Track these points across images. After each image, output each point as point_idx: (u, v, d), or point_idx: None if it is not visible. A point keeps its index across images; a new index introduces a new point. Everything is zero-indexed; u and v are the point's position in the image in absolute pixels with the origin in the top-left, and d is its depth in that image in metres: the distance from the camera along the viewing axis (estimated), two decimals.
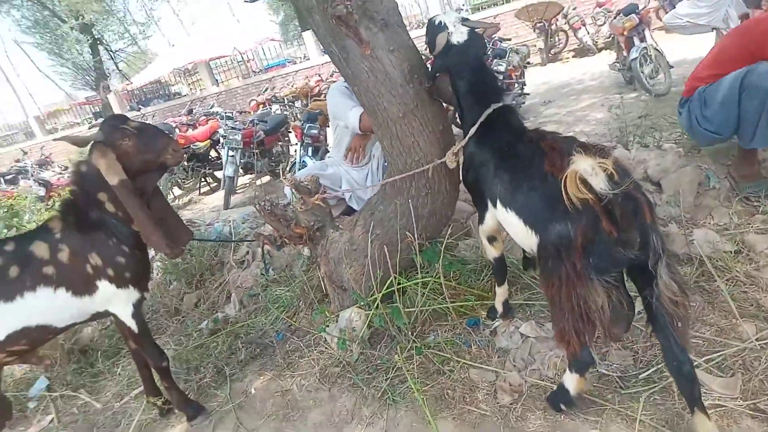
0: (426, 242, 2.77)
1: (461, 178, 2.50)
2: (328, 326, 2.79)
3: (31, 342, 2.33)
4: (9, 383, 3.52)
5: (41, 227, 2.43)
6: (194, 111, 11.38)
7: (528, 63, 8.73)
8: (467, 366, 2.45)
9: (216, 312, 3.63)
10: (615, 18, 7.48)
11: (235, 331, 3.29)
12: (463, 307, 2.73)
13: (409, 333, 2.61)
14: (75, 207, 2.41)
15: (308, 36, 15.75)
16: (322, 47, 2.84)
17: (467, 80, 2.28)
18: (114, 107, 17.36)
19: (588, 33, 11.68)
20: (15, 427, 3.10)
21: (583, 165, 1.59)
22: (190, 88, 20.52)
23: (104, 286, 2.37)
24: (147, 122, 2.52)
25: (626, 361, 2.25)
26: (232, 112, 8.70)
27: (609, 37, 11.19)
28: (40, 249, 2.30)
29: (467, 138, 2.28)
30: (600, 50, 11.85)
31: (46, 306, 2.28)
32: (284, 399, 2.65)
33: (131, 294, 2.46)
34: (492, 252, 2.47)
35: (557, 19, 12.03)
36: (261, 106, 10.91)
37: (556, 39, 12.37)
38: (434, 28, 2.36)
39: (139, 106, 13.45)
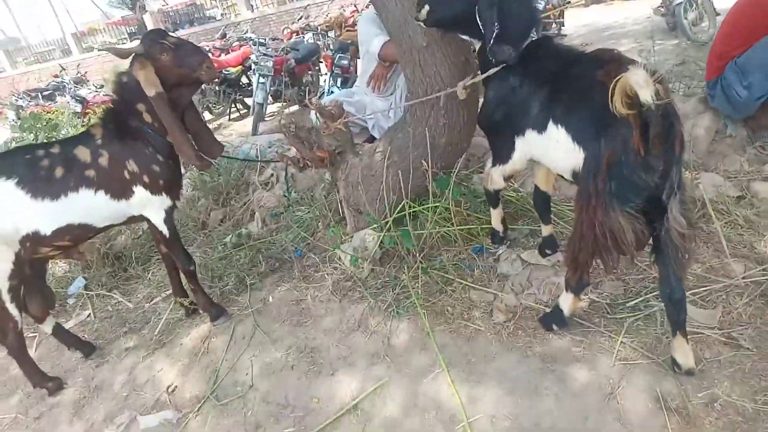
0: (441, 172, 2.89)
1: (480, 119, 2.45)
2: (343, 244, 2.98)
3: (74, 238, 2.57)
4: (51, 281, 3.85)
5: (84, 133, 2.63)
6: (228, 36, 11.36)
7: (569, 2, 8.44)
8: (468, 287, 2.63)
9: (240, 228, 3.86)
10: None
11: (257, 246, 3.52)
12: (470, 233, 2.88)
13: (417, 255, 2.79)
14: (115, 115, 2.59)
15: None
16: None
17: (499, 6, 2.07)
18: (149, 27, 17.39)
19: None
20: (57, 317, 3.45)
21: (636, 76, 1.50)
22: (224, 13, 20.33)
23: (140, 191, 2.57)
24: (184, 39, 2.63)
25: (617, 290, 2.40)
26: (265, 39, 8.68)
27: None
28: (83, 153, 2.50)
29: (491, 72, 2.20)
30: None
31: (88, 206, 2.50)
32: (299, 307, 2.89)
33: (164, 201, 2.66)
34: (499, 184, 2.47)
35: None
36: (294, 34, 10.83)
37: None
38: None
39: (174, 30, 13.44)
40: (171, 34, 2.60)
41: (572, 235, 1.88)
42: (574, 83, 1.88)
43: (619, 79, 1.52)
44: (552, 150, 1.98)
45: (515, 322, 2.36)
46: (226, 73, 8.53)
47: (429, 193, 2.88)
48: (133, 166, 2.54)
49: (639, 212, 1.69)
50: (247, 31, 12.07)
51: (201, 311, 3.02)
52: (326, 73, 7.05)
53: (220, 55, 9.33)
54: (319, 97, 7.03)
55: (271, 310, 2.95)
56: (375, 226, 2.94)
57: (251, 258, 3.42)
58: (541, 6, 7.00)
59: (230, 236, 3.70)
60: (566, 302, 2.17)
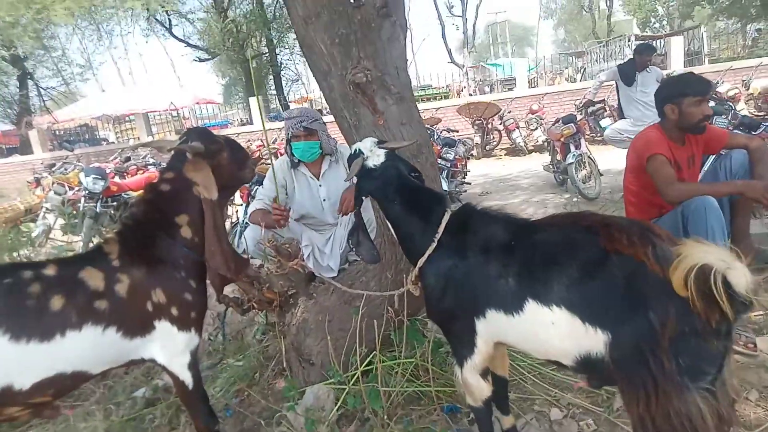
0: (406, 319, 2.68)
1: (429, 312, 2.13)
2: (297, 403, 2.55)
3: (57, 392, 1.90)
4: None
5: (94, 251, 2.07)
6: (131, 159, 10.87)
7: (472, 155, 9.19)
8: None
9: (154, 378, 3.26)
10: (554, 125, 8.12)
11: (177, 402, 2.94)
12: (439, 391, 2.61)
13: (385, 417, 2.45)
14: (140, 231, 2.09)
15: (254, 101, 15.89)
16: (330, 110, 2.82)
17: (399, 200, 2.05)
18: (34, 145, 16.27)
19: (521, 135, 12.57)
20: None
21: (707, 257, 1.33)
22: (117, 137, 19.78)
23: (163, 327, 2.01)
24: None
25: None
26: None
27: (541, 141, 12.10)
28: (94, 278, 1.91)
29: (425, 256, 1.98)
30: (530, 152, 12.76)
31: (90, 348, 1.87)
32: None
33: (192, 339, 2.10)
34: (484, 391, 2.01)
35: (494, 119, 12.91)
36: None
37: (491, 137, 13.19)
38: (350, 159, 2.20)
39: (72, 147, 12.65)
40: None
41: None
42: (558, 255, 1.68)
43: (683, 259, 1.38)
44: (540, 334, 1.69)
45: None
46: (127, 197, 7.96)
47: (389, 344, 2.63)
48: (160, 295, 2.01)
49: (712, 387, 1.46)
50: (146, 156, 11.67)
51: None
52: (242, 204, 6.79)
53: (114, 177, 8.78)
54: (232, 229, 6.70)
55: None
56: (331, 381, 2.58)
57: (170, 419, 2.83)
58: (451, 157, 7.50)
59: (143, 390, 3.08)
60: None
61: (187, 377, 2.10)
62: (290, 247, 2.62)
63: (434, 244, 1.96)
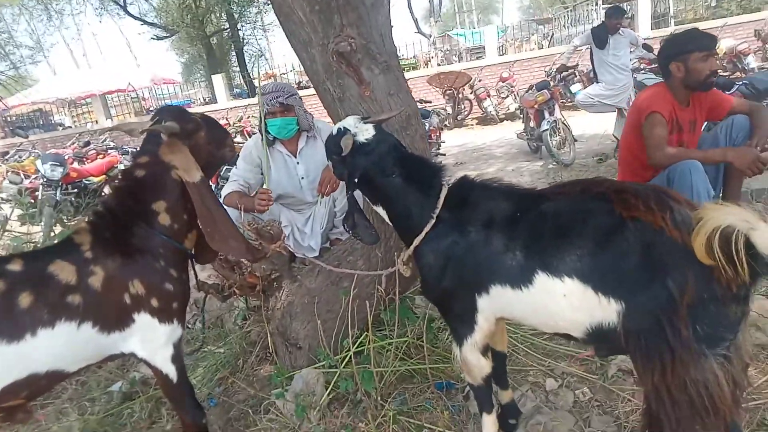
0: (396, 297, 2.58)
1: (426, 292, 2.05)
2: (286, 389, 2.45)
3: (31, 393, 1.77)
4: None
5: (64, 243, 1.91)
6: (91, 144, 10.44)
7: (446, 125, 9.08)
8: None
9: (130, 371, 3.11)
10: (527, 92, 8.05)
11: (156, 395, 2.81)
12: (432, 368, 2.54)
13: (378, 398, 2.37)
14: (113, 220, 1.93)
15: (218, 79, 15.38)
16: (311, 83, 2.66)
17: (399, 173, 1.94)
18: None
19: (492, 104, 12.49)
20: None
21: (729, 218, 1.27)
22: (74, 121, 19.00)
23: (143, 320, 1.89)
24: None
25: (609, 427, 2.19)
26: (136, 148, 8.04)
27: (513, 109, 12.07)
28: (65, 271, 1.77)
29: (423, 234, 1.88)
30: (502, 120, 12.72)
31: (65, 345, 1.74)
32: None
33: (174, 330, 1.97)
34: (485, 368, 1.94)
35: (464, 89, 12.78)
36: None
37: (462, 106, 13.09)
38: (334, 138, 2.02)
39: (26, 133, 12.08)
40: None
41: (654, 409, 1.49)
42: (570, 224, 1.61)
43: (704, 223, 1.31)
44: (551, 306, 1.63)
45: None
46: (88, 182, 7.65)
47: (379, 323, 2.55)
48: (138, 286, 1.87)
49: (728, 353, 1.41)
50: (106, 140, 11.24)
51: None
52: (212, 185, 6.59)
53: (72, 162, 8.41)
54: None
55: None
56: (320, 364, 2.49)
57: (150, 412, 2.70)
58: (425, 128, 7.38)
59: (119, 383, 2.94)
60: None
61: (170, 370, 1.98)
62: (272, 229, 2.48)
63: (432, 221, 1.86)
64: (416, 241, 1.90)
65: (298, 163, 3.48)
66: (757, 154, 2.68)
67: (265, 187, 3.09)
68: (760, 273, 1.32)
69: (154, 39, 22.97)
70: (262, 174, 3.52)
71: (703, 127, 3.25)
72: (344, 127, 1.97)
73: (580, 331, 1.61)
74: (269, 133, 3.38)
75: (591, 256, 1.53)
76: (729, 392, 1.39)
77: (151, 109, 18.92)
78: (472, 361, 1.93)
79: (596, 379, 2.46)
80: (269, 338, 2.79)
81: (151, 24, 22.52)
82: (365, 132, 1.94)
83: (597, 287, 1.51)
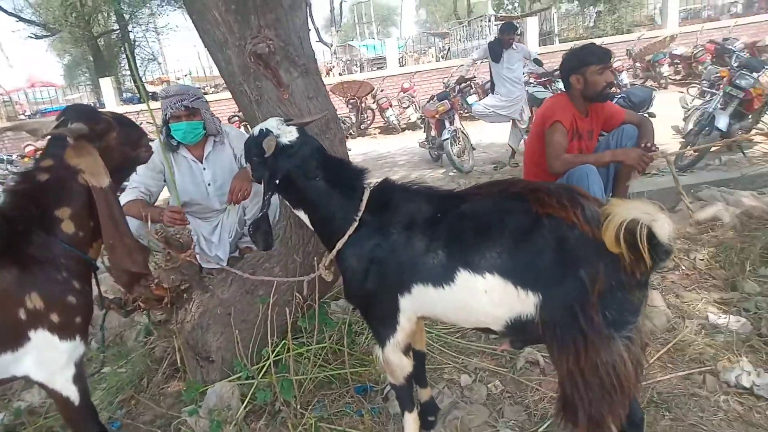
0: (314, 304, 2.56)
1: (350, 296, 2.04)
2: (200, 406, 2.33)
3: None
4: None
5: None
6: None
7: (350, 134, 9.14)
8: None
9: (12, 400, 2.81)
10: (429, 102, 8.31)
11: (47, 424, 2.56)
12: (352, 373, 2.54)
13: (298, 407, 2.33)
14: (9, 228, 1.73)
15: (106, 83, 14.41)
16: (226, 85, 2.56)
17: (322, 176, 1.93)
18: None
19: (394, 113, 12.76)
20: None
21: (664, 224, 1.38)
22: None
23: (40, 337, 1.70)
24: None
25: (521, 416, 2.31)
26: (12, 155, 7.33)
27: (414, 119, 12.40)
28: None
29: (345, 237, 1.89)
30: (403, 129, 13.02)
31: None
32: None
33: (76, 348, 1.79)
34: (406, 368, 1.97)
35: (367, 98, 12.95)
36: (39, 152, 9.44)
37: (365, 116, 13.24)
38: (256, 140, 1.96)
39: None
40: None
41: (569, 393, 1.57)
42: (490, 223, 1.68)
43: (612, 217, 1.43)
44: (472, 303, 1.69)
45: None
46: None
47: (295, 331, 2.50)
48: (36, 300, 1.68)
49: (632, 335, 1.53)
50: None
51: None
52: None
53: None
54: None
55: None
56: (235, 377, 2.40)
57: None
58: None
59: (0, 415, 2.64)
60: None
61: (72, 392, 1.81)
62: (181, 237, 2.37)
63: (355, 224, 1.87)
64: (339, 245, 1.90)
65: (204, 168, 3.35)
66: (643, 151, 2.98)
67: (171, 203, 2.93)
68: (659, 260, 1.47)
69: (31, 38, 21.03)
70: (164, 181, 3.34)
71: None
72: (266, 129, 1.93)
73: (500, 324, 1.69)
74: (173, 138, 3.23)
75: (510, 253, 1.61)
76: (633, 371, 1.53)
77: (26, 113, 17.31)
78: (395, 361, 1.96)
79: (506, 372, 2.59)
80: (178, 353, 2.65)
81: (28, 21, 20.60)
82: (288, 134, 1.92)
83: (516, 282, 1.59)
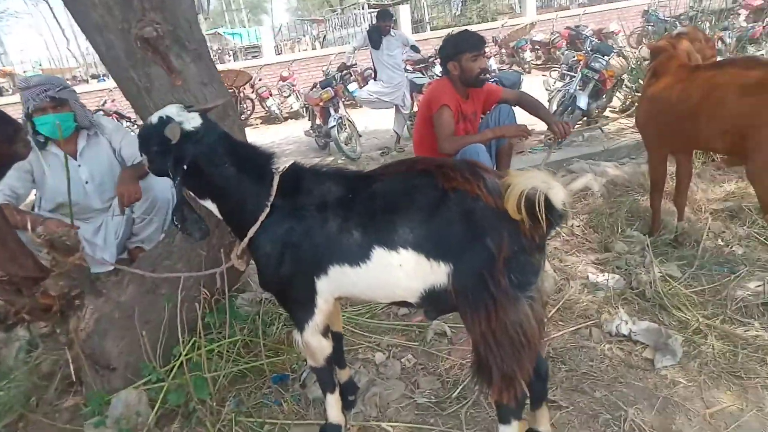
0: (222, 298, 2.48)
1: (264, 283, 2.01)
2: (107, 416, 2.17)
3: None
4: None
5: None
6: None
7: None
8: (285, 427, 2.25)
9: None
10: (312, 90, 8.27)
11: None
12: (267, 364, 2.50)
13: (214, 404, 2.25)
14: None
15: None
16: (109, 72, 2.35)
17: (231, 161, 1.88)
18: None
19: (275, 103, 12.51)
20: None
21: (559, 190, 1.52)
22: None
23: None
24: None
25: (435, 385, 2.43)
26: None
27: (296, 108, 12.25)
28: None
29: (258, 223, 1.85)
30: (286, 119, 12.82)
31: None
32: None
33: None
34: (326, 350, 2.01)
35: (245, 88, 12.54)
36: None
37: (245, 105, 12.84)
38: (155, 128, 1.85)
39: None
40: None
41: (483, 354, 1.67)
42: (400, 200, 1.73)
43: (513, 187, 1.54)
44: (389, 278, 1.74)
45: None
46: None
47: (204, 327, 2.41)
48: None
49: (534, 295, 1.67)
50: None
51: None
52: None
53: None
54: None
55: None
56: (142, 382, 2.27)
57: None
58: None
59: None
60: None
61: None
62: (68, 239, 2.16)
63: (267, 209, 1.84)
64: (251, 232, 1.87)
65: (79, 165, 3.09)
66: (520, 125, 3.26)
67: (43, 205, 2.66)
68: (555, 223, 1.63)
69: None
70: (33, 181, 3.04)
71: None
72: (167, 116, 1.83)
73: (416, 296, 1.77)
74: (39, 134, 2.93)
75: (421, 227, 1.68)
76: (537, 328, 1.68)
77: None
78: (315, 343, 1.97)
79: (417, 345, 2.70)
80: (71, 365, 2.43)
81: None
82: (192, 120, 1.83)
83: (429, 254, 1.68)
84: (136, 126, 9.68)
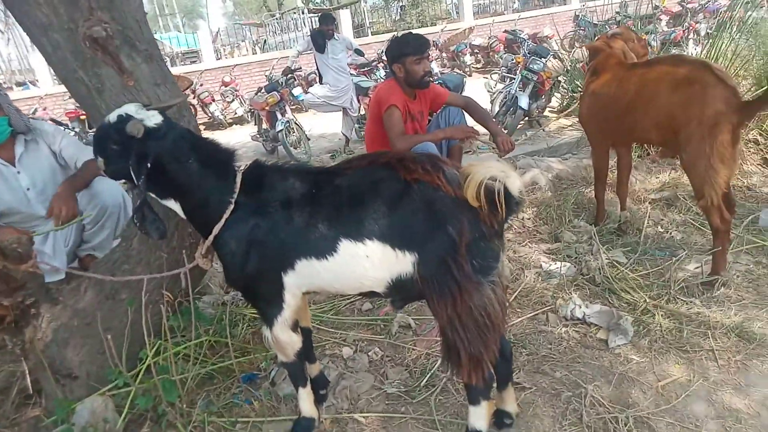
0: (185, 300, 2.44)
1: (231, 281, 2.00)
2: (73, 425, 2.09)
3: None
4: None
5: None
6: None
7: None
8: (258, 424, 2.25)
9: None
10: (257, 94, 8.18)
11: None
12: (236, 363, 2.49)
13: (184, 406, 2.22)
14: None
15: None
16: (56, 73, 2.27)
17: (195, 158, 1.87)
18: None
19: (218, 108, 12.26)
20: None
21: (516, 179, 1.63)
22: None
23: None
24: None
25: (403, 375, 2.49)
26: None
27: (240, 113, 12.05)
28: None
29: (222, 221, 1.85)
30: (230, 124, 12.59)
31: None
32: None
33: None
34: (296, 344, 2.02)
35: (186, 93, 12.23)
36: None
37: None
38: (115, 126, 1.81)
39: None
40: None
41: (451, 338, 1.74)
42: (365, 193, 1.78)
43: (472, 177, 1.64)
44: (356, 269, 1.78)
45: None
46: None
47: (167, 330, 2.37)
48: None
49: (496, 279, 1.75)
50: None
51: None
52: None
53: None
54: None
55: None
56: (108, 388, 2.21)
57: None
58: None
59: None
60: (482, 416, 1.90)
61: None
62: (20, 246, 2.08)
63: (231, 206, 1.84)
64: (216, 229, 1.87)
65: (19, 172, 2.95)
66: (467, 127, 3.39)
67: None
68: (512, 210, 1.74)
69: None
70: None
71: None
72: (126, 114, 1.80)
73: (383, 286, 1.83)
74: None
75: (385, 218, 1.75)
76: (500, 310, 1.77)
77: None
78: (284, 339, 1.99)
79: (383, 338, 2.76)
80: (28, 377, 2.34)
81: None
82: (153, 117, 1.81)
83: (394, 244, 1.74)
84: (74, 132, 9.26)
